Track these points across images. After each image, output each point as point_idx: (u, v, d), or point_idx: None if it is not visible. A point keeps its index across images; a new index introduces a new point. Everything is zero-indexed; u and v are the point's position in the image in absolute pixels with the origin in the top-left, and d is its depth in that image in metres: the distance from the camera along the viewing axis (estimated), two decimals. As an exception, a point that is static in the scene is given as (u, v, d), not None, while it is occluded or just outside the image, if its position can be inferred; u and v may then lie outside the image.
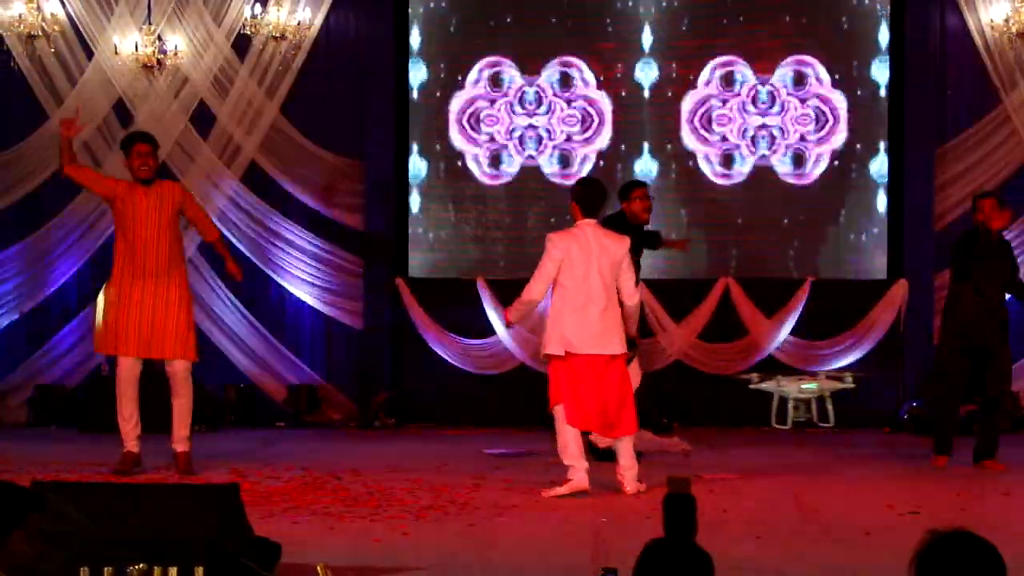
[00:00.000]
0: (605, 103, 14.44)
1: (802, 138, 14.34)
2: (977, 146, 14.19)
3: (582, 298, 9.27)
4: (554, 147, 14.52)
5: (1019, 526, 7.89)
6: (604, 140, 14.47)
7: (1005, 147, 14.15)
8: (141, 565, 5.19)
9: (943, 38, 14.32)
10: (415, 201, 14.71)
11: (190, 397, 10.31)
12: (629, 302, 9.51)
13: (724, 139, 14.36)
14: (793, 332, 14.12)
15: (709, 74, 14.38)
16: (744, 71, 14.38)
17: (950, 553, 3.47)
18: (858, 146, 14.36)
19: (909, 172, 14.22)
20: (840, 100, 14.33)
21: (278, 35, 13.92)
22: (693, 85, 14.40)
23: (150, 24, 13.96)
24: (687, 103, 14.38)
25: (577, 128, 14.49)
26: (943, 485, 9.71)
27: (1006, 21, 13.64)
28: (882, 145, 14.33)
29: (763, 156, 14.34)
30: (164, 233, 10.12)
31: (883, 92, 14.34)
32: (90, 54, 14.30)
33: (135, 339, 10.06)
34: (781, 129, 14.34)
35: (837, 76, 14.33)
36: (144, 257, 10.07)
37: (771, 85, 14.37)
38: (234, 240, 14.39)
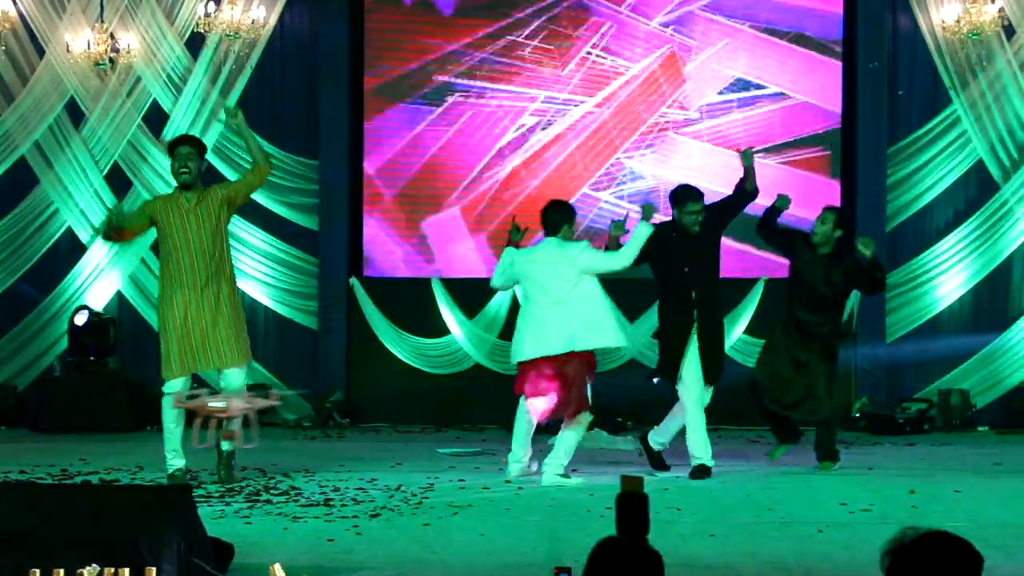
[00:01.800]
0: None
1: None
2: (929, 146, 14.27)
3: (536, 308, 9.96)
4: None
5: (969, 522, 7.95)
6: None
7: (956, 147, 14.24)
8: (92, 566, 5.15)
9: (895, 39, 14.40)
10: (370, 199, 14.67)
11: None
12: (619, 267, 10.05)
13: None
14: (747, 331, 14.16)
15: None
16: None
17: (929, 552, 3.48)
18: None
19: (861, 172, 14.29)
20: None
21: (232, 33, 13.88)
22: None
23: (102, 22, 13.90)
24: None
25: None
26: (896, 482, 9.76)
27: (957, 22, 13.74)
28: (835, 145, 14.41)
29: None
30: (209, 241, 9.67)
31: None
32: (42, 52, 14.23)
33: (180, 359, 9.66)
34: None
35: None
36: (190, 268, 9.63)
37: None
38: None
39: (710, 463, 10.13)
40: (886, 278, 11.32)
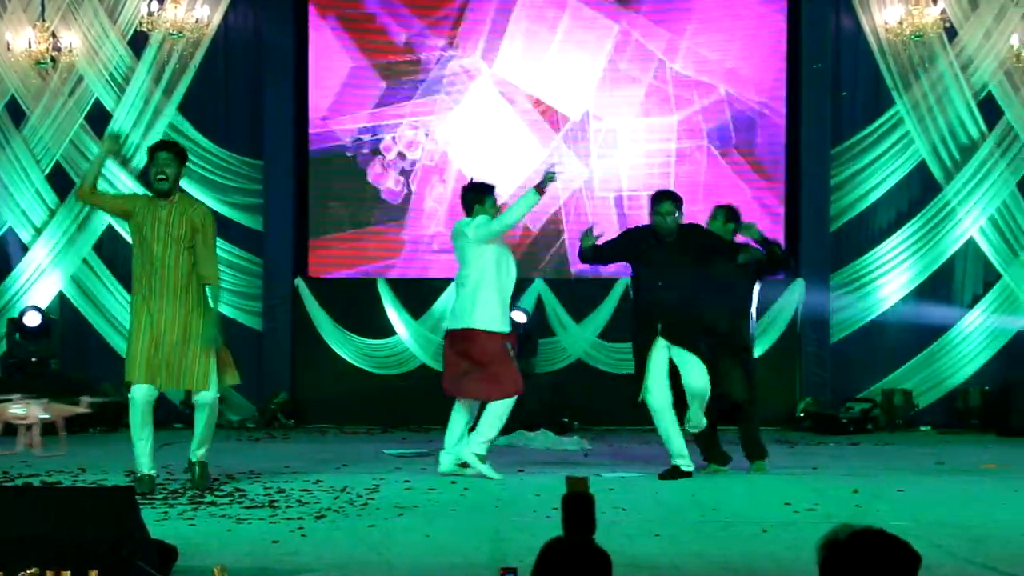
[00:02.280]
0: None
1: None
2: (872, 147, 14.37)
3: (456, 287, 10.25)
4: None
5: (911, 522, 8.00)
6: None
7: (899, 148, 14.34)
8: (34, 569, 5.10)
9: (838, 40, 14.49)
10: (315, 201, 14.64)
11: (214, 418, 9.61)
12: (500, 228, 10.01)
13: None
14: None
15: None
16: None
17: (865, 550, 3.49)
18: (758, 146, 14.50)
19: (805, 172, 14.36)
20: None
21: (175, 32, 13.80)
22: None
23: (44, 21, 13.80)
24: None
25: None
26: (839, 482, 9.81)
27: (900, 23, 13.85)
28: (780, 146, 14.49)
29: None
30: (183, 257, 9.26)
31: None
32: (-19, 51, 14.12)
33: (147, 368, 9.31)
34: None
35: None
36: (160, 279, 9.24)
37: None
38: (130, 241, 14.24)
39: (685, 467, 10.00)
40: (789, 256, 11.19)
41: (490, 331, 9.92)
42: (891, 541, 3.51)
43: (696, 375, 9.77)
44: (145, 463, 9.43)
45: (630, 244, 10.13)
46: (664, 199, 9.96)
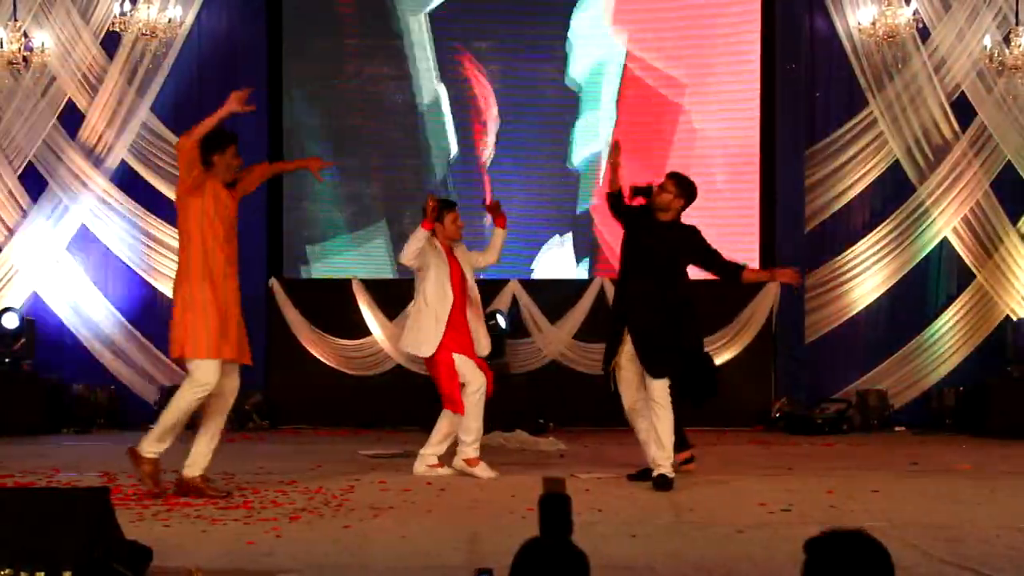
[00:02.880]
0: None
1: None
2: (846, 147, 14.41)
3: None
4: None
5: (886, 522, 8.01)
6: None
7: (873, 148, 14.39)
8: (7, 570, 5.08)
9: (812, 41, 14.53)
10: (289, 201, 14.60)
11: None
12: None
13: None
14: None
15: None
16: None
17: (841, 552, 3.49)
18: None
19: (780, 173, 14.39)
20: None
21: (148, 32, 13.76)
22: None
23: (15, 20, 13.73)
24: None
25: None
26: (814, 483, 9.82)
27: (873, 24, 13.89)
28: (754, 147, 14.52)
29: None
30: (234, 234, 9.32)
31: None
32: (-47, 50, 14.03)
33: (217, 344, 9.13)
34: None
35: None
36: (218, 257, 9.16)
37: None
38: (104, 242, 14.22)
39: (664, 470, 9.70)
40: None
41: (422, 355, 10.34)
42: (867, 543, 3.52)
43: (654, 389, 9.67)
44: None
45: (630, 215, 10.01)
46: (673, 175, 9.92)
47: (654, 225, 9.80)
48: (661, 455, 9.56)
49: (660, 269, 9.69)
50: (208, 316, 9.05)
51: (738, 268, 9.95)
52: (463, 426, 10.21)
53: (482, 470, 10.14)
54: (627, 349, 9.71)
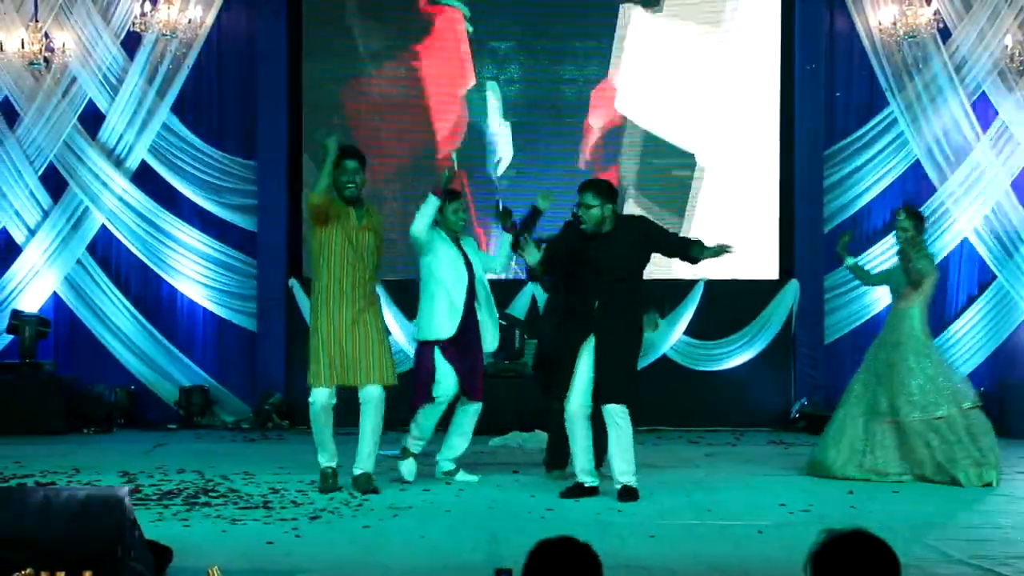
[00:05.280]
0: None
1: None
2: (866, 147, 14.37)
3: None
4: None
5: (906, 523, 8.00)
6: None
7: (893, 148, 14.35)
8: (28, 570, 5.09)
9: (832, 40, 14.50)
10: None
11: (380, 420, 9.60)
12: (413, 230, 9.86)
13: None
14: (686, 332, 14.22)
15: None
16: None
17: (846, 552, 3.50)
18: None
19: (799, 173, 14.36)
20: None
21: (169, 33, 13.79)
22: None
23: (37, 21, 13.78)
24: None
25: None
26: (834, 483, 9.80)
27: (893, 24, 13.86)
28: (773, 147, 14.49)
29: (656, 157, 14.44)
30: (370, 261, 9.46)
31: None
32: (-26, 51, 14.08)
33: (329, 371, 9.38)
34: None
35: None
36: (351, 284, 9.35)
37: (664, 86, 14.47)
38: (125, 241, 14.26)
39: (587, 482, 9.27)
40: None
41: (421, 340, 10.02)
42: (873, 543, 3.53)
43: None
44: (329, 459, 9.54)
45: (563, 243, 9.39)
46: (586, 189, 9.15)
47: (601, 241, 9.14)
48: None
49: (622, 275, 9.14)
50: None
51: (696, 242, 9.31)
52: (415, 418, 9.93)
53: (407, 467, 9.91)
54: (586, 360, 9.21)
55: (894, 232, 10.92)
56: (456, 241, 10.06)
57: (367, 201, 9.63)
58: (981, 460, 9.86)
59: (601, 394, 9.04)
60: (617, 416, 9.01)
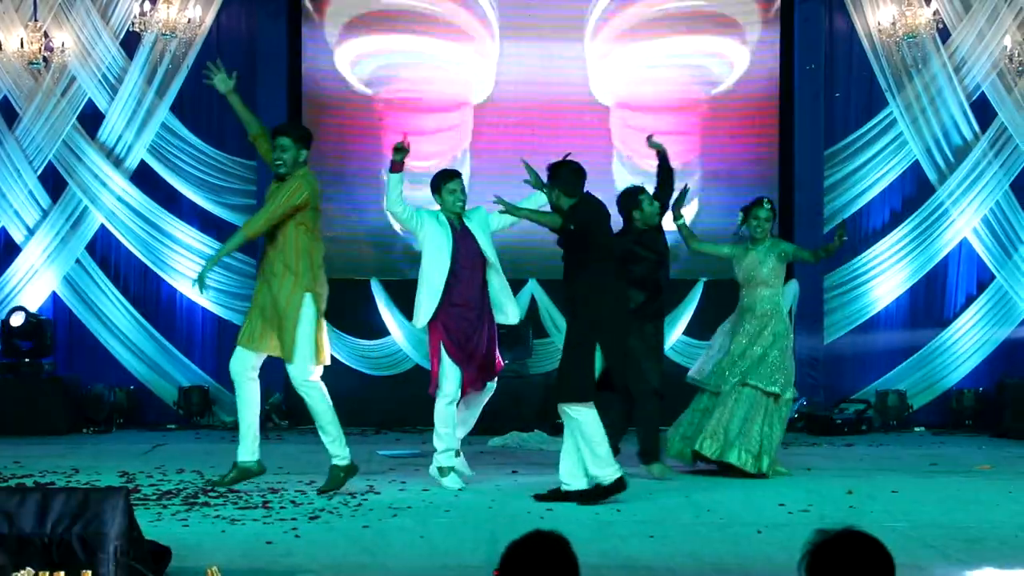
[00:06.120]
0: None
1: (694, 139, 14.45)
2: (866, 148, 14.38)
3: None
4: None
5: (906, 523, 8.01)
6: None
7: (893, 149, 14.35)
8: (28, 570, 5.09)
9: (831, 41, 14.50)
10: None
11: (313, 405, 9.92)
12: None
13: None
14: (686, 332, 14.21)
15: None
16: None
17: (839, 551, 3.50)
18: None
19: (799, 173, 14.36)
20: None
21: (168, 32, 13.79)
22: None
23: (36, 20, 13.78)
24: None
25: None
26: (833, 483, 9.81)
27: (893, 24, 13.86)
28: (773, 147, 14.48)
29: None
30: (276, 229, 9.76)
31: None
32: (-27, 51, 14.08)
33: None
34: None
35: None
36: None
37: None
38: (124, 241, 14.25)
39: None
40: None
41: (417, 325, 10.12)
42: (865, 541, 3.53)
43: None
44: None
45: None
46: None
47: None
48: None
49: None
50: None
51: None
52: (435, 431, 9.84)
53: (450, 481, 9.68)
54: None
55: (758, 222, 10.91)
56: (453, 223, 9.92)
57: (294, 176, 9.55)
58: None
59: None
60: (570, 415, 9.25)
